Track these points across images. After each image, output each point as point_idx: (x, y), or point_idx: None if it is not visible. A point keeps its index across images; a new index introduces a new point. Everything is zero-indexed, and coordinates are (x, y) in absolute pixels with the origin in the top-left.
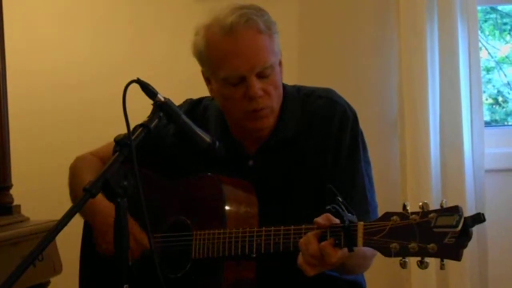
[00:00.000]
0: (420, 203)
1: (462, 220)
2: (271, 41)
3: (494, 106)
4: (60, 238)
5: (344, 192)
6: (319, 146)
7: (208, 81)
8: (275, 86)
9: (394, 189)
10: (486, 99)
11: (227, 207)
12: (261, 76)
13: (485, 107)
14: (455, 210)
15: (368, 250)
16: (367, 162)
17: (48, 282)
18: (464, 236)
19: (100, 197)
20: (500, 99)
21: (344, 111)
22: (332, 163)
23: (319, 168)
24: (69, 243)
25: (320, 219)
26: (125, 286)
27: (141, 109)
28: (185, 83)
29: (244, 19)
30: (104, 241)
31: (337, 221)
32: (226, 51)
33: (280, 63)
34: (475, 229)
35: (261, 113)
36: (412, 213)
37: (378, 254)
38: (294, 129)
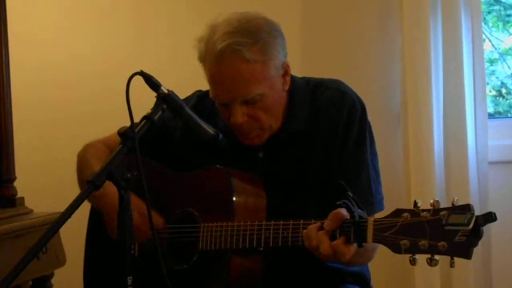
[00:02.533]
0: (431, 201)
1: (474, 218)
2: (263, 67)
3: (497, 98)
4: (63, 230)
5: (349, 182)
6: (328, 137)
7: None
8: (267, 109)
9: (397, 181)
10: (490, 91)
11: (235, 200)
12: (247, 102)
13: (488, 99)
14: (467, 208)
15: (370, 243)
16: (374, 154)
17: (52, 274)
18: (475, 235)
19: (108, 183)
20: (503, 91)
21: (353, 102)
22: (339, 154)
23: (327, 159)
24: (73, 235)
25: (329, 223)
26: (129, 278)
27: (144, 102)
28: (188, 76)
29: (230, 50)
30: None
31: (347, 215)
32: (213, 75)
33: (285, 73)
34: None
35: (248, 135)
36: (423, 210)
37: (385, 250)
38: (303, 121)
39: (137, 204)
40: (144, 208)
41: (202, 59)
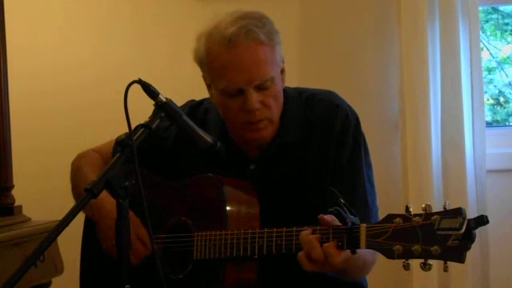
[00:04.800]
0: (423, 205)
1: (466, 222)
2: (272, 52)
3: (495, 106)
4: (61, 239)
5: (345, 196)
6: (321, 150)
7: (209, 86)
8: (275, 97)
9: (395, 189)
10: (488, 100)
11: (228, 208)
12: (260, 88)
13: (486, 108)
14: (458, 212)
15: (368, 257)
16: (369, 166)
17: (49, 283)
18: (468, 239)
19: (103, 193)
20: (501, 99)
21: (346, 115)
22: (333, 167)
23: (320, 173)
24: (71, 244)
25: (325, 216)
26: (126, 286)
27: (142, 110)
28: (187, 84)
29: (244, 30)
30: (108, 237)
31: (339, 224)
32: (225, 62)
33: (282, 71)
34: (476, 230)
35: (258, 125)
36: (415, 215)
37: (380, 256)
38: (295, 133)
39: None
40: (137, 223)
41: (204, 55)
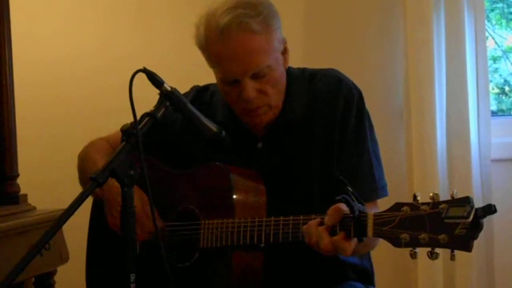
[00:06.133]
0: (431, 194)
1: (473, 211)
2: (268, 40)
3: (500, 95)
4: (66, 228)
5: (350, 169)
6: (326, 124)
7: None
8: (274, 83)
9: (400, 179)
10: (493, 89)
11: (235, 197)
12: (256, 77)
13: (491, 97)
14: (466, 201)
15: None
16: (374, 141)
17: (54, 271)
18: (475, 227)
19: None
20: (506, 88)
21: (349, 89)
22: (339, 141)
23: (327, 146)
24: (76, 233)
25: (329, 219)
26: (132, 275)
27: (148, 99)
28: (191, 73)
29: (236, 21)
30: (116, 211)
31: (346, 209)
32: (220, 53)
33: (284, 52)
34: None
35: (256, 111)
36: (423, 203)
37: (387, 244)
38: (300, 110)
39: (139, 195)
40: (145, 200)
41: (204, 42)
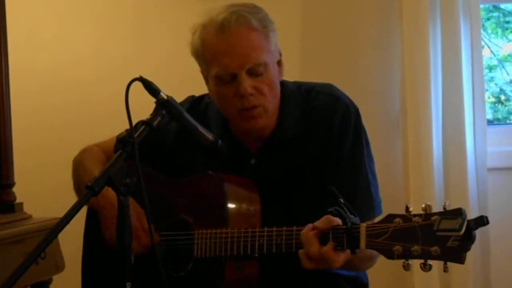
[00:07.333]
0: (423, 205)
1: (465, 223)
2: (265, 39)
3: (496, 104)
4: (62, 236)
5: (348, 189)
6: (322, 143)
7: (206, 80)
8: (270, 85)
9: (396, 187)
10: (489, 98)
11: (229, 206)
12: (253, 73)
13: (487, 106)
14: (458, 213)
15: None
16: (370, 158)
17: (50, 280)
18: (467, 239)
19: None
20: (502, 97)
21: (346, 107)
22: (335, 160)
23: (322, 166)
24: (71, 241)
25: (320, 224)
26: (127, 284)
27: (144, 107)
28: (188, 81)
29: (235, 16)
30: (112, 223)
31: (338, 221)
32: (218, 48)
33: (279, 63)
34: (477, 230)
35: (252, 112)
36: (415, 215)
37: (381, 256)
38: (295, 127)
39: (133, 209)
40: (140, 213)
41: (199, 42)
